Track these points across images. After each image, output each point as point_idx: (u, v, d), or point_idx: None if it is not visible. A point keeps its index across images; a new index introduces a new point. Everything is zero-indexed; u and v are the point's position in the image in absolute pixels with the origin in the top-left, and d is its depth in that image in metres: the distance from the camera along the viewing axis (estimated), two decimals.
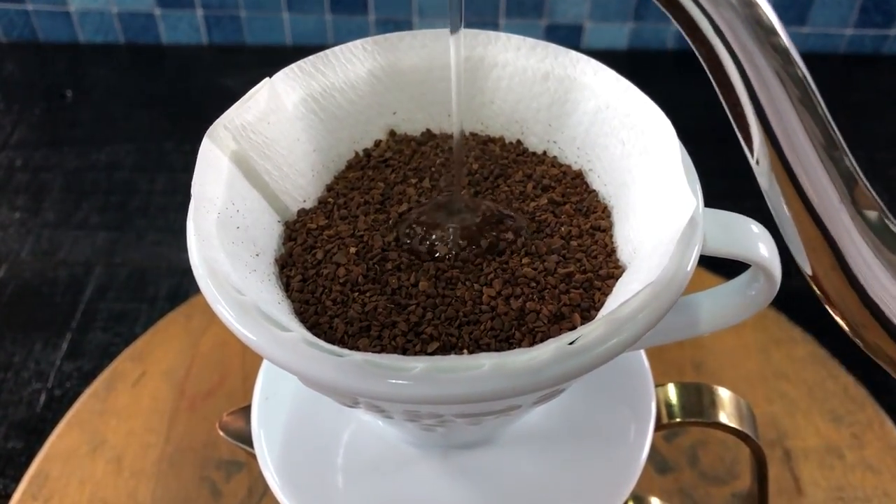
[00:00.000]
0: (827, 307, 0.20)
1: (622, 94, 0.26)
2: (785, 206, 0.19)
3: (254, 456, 0.30)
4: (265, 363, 0.32)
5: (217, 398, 0.47)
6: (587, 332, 0.20)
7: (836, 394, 0.47)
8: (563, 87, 0.27)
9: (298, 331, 0.21)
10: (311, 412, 0.30)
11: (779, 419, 0.46)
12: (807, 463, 0.45)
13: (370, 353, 0.20)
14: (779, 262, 0.25)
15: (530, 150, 0.28)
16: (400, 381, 0.19)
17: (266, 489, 0.44)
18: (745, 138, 0.19)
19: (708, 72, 0.19)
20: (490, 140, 0.29)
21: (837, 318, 0.20)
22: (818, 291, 0.20)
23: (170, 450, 0.45)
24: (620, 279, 0.23)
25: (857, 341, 0.20)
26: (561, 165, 0.28)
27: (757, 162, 0.19)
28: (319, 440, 0.30)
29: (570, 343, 0.20)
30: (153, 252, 0.57)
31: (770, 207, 0.20)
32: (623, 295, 0.21)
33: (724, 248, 0.24)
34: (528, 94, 0.28)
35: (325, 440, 0.30)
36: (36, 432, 0.47)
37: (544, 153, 0.28)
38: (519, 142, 0.29)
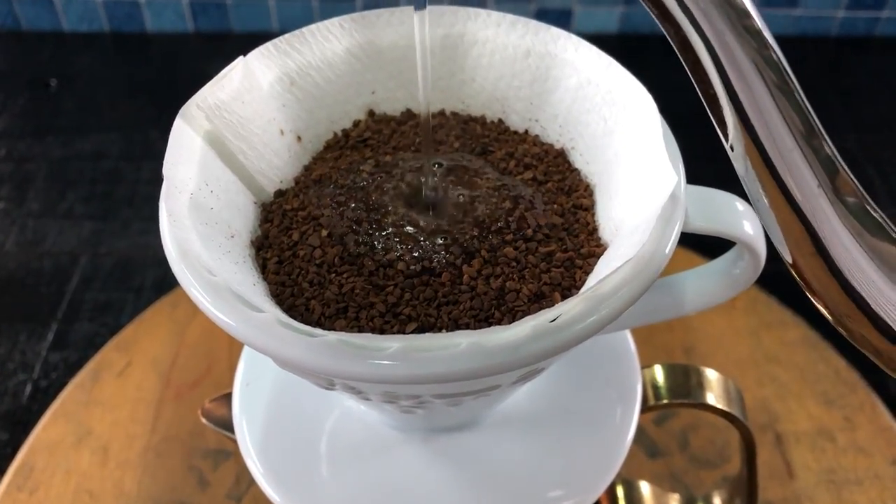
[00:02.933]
0: (809, 296, 0.20)
1: (604, 70, 0.25)
2: (762, 193, 0.19)
3: (236, 442, 0.30)
4: (246, 349, 0.32)
5: (203, 388, 0.47)
6: (566, 310, 0.20)
7: (827, 377, 0.47)
8: (544, 64, 0.27)
9: (272, 312, 0.20)
10: (293, 398, 0.30)
11: (770, 403, 0.46)
12: (798, 446, 0.44)
13: (345, 333, 0.19)
14: (764, 239, 0.25)
15: (512, 128, 0.28)
16: (375, 361, 0.19)
17: (253, 478, 0.43)
18: (718, 123, 0.19)
19: (679, 54, 0.19)
20: (471, 119, 0.28)
21: (820, 307, 0.20)
22: (799, 280, 0.19)
23: (156, 440, 0.45)
24: (602, 257, 0.23)
25: (840, 330, 0.20)
26: (543, 144, 0.27)
27: (731, 148, 0.19)
28: (301, 425, 0.29)
29: (550, 321, 0.20)
30: (139, 242, 0.57)
31: (747, 193, 0.19)
32: (603, 272, 0.21)
33: (708, 225, 0.24)
34: (509, 72, 0.27)
35: (307, 425, 0.29)
36: (21, 424, 0.47)
37: (526, 132, 0.28)
38: (500, 120, 0.28)
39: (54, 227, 0.58)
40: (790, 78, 0.18)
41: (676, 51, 0.18)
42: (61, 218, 0.58)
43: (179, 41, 0.73)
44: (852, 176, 0.18)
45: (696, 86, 0.19)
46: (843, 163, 0.18)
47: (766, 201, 0.19)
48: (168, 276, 0.54)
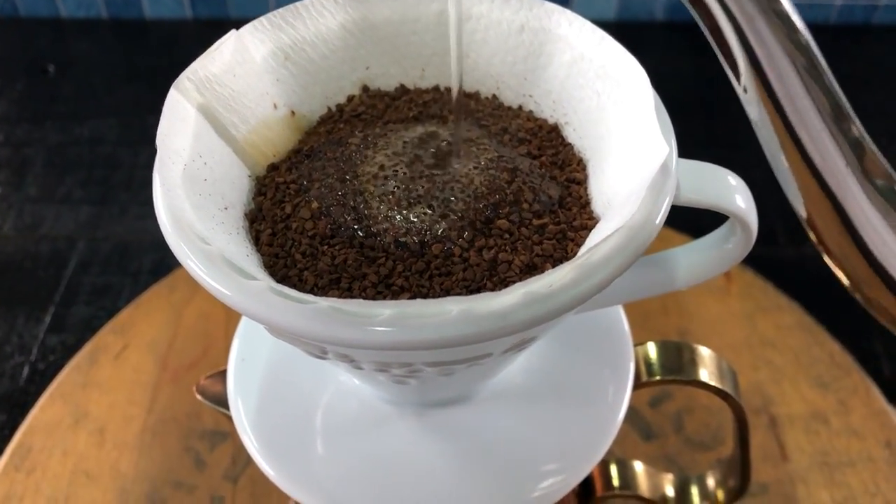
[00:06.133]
0: (824, 255, 0.20)
1: (597, 45, 0.25)
2: (788, 168, 0.19)
3: (231, 419, 0.30)
4: (241, 326, 0.32)
5: (200, 370, 0.47)
6: (557, 278, 0.20)
7: (822, 360, 0.47)
8: (538, 40, 0.27)
9: (265, 280, 0.20)
10: (288, 373, 0.30)
11: (764, 386, 0.46)
12: (792, 429, 0.45)
13: (337, 300, 0.19)
14: (755, 213, 0.25)
15: (506, 104, 0.28)
16: (367, 327, 0.19)
17: (250, 458, 0.43)
18: (731, 67, 0.19)
19: (710, 39, 0.19)
20: (465, 95, 0.28)
21: (835, 269, 0.20)
22: (813, 237, 0.20)
23: (152, 421, 0.45)
24: (594, 230, 0.23)
25: (857, 296, 0.20)
26: (537, 119, 0.27)
27: (745, 90, 0.19)
28: (296, 401, 0.29)
29: (540, 288, 0.20)
30: (136, 226, 0.57)
31: (761, 143, 0.20)
32: (594, 243, 0.21)
33: (700, 197, 0.24)
34: (503, 48, 0.27)
35: (302, 401, 0.29)
36: (19, 406, 0.47)
37: (520, 107, 0.28)
38: (494, 96, 0.28)
39: (52, 211, 0.58)
40: (819, 61, 0.18)
41: (706, 34, 0.19)
42: (59, 203, 0.59)
43: (177, 27, 0.73)
44: (882, 157, 0.18)
45: (724, 67, 0.19)
46: (871, 142, 0.18)
47: (785, 163, 0.19)
48: (165, 260, 0.54)
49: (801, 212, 0.20)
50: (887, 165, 0.18)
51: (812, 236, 0.20)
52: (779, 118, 0.18)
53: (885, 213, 0.18)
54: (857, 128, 0.18)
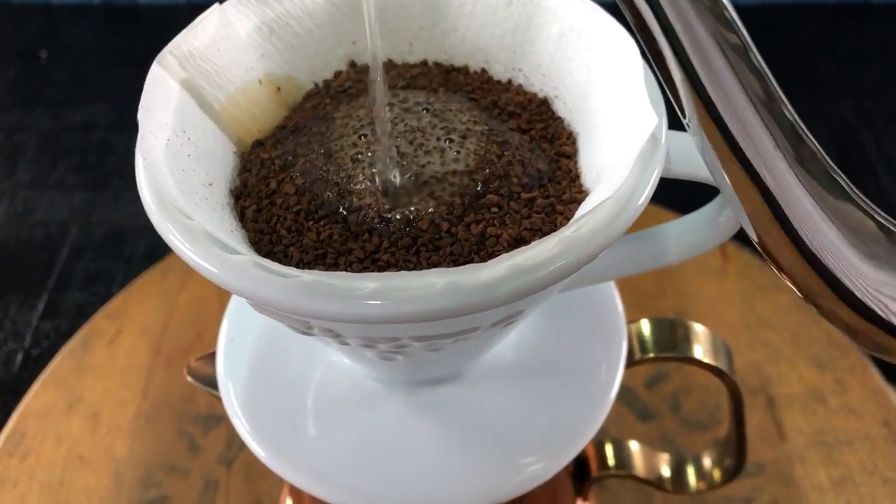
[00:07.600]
0: (778, 274, 0.18)
1: (586, 16, 0.25)
2: (721, 169, 0.17)
3: (222, 400, 0.30)
4: (230, 307, 0.32)
5: (194, 354, 0.47)
6: (543, 249, 0.19)
7: (819, 340, 0.47)
8: (526, 12, 0.26)
9: (248, 254, 0.20)
10: (278, 354, 0.30)
11: (762, 366, 0.46)
12: (790, 409, 0.44)
13: (320, 273, 0.19)
14: None
15: (495, 78, 0.28)
16: (351, 301, 0.19)
17: (244, 442, 0.43)
18: (673, 97, 0.18)
19: (632, 25, 0.17)
20: (454, 69, 0.28)
21: (790, 285, 0.18)
22: (767, 258, 0.18)
23: (146, 406, 0.45)
24: (583, 203, 0.23)
25: (814, 308, 0.18)
26: (526, 93, 0.27)
27: (688, 125, 0.18)
28: (286, 381, 0.29)
29: (526, 260, 0.19)
30: (130, 211, 0.56)
31: (709, 171, 0.18)
32: (582, 214, 0.21)
33: (692, 170, 0.23)
34: (491, 21, 0.27)
35: (292, 381, 0.29)
36: (13, 392, 0.47)
37: (509, 81, 0.27)
38: (483, 70, 0.28)
39: (45, 197, 0.58)
40: (746, 40, 0.16)
41: (628, 17, 0.17)
42: (52, 189, 0.58)
43: (170, 13, 0.72)
44: (813, 140, 0.17)
45: (651, 62, 0.18)
46: (803, 127, 0.17)
47: (725, 175, 0.17)
48: (159, 246, 0.54)
49: (752, 234, 0.18)
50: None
51: (766, 257, 0.18)
52: (726, 146, 0.17)
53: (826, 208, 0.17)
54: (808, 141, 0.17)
